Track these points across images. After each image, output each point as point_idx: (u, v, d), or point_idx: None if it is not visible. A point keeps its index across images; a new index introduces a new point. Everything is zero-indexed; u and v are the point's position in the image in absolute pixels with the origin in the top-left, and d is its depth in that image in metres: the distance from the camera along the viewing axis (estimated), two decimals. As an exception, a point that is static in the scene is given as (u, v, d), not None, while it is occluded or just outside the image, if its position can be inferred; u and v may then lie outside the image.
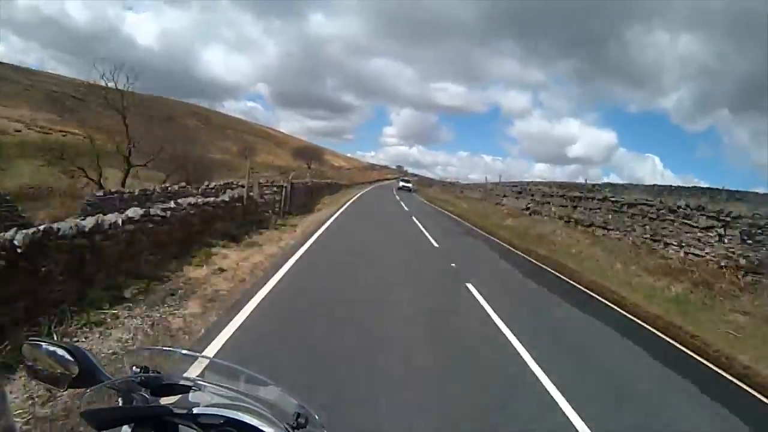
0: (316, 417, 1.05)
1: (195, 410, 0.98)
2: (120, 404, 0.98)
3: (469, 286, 7.85)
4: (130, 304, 4.77)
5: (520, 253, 12.88)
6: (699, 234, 10.49)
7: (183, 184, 18.61)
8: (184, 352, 1.28)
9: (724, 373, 5.51)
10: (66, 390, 1.04)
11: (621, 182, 30.14)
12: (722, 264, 9.43)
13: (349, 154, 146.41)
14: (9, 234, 3.84)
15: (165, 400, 1.01)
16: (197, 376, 1.10)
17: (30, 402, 2.74)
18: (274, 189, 14.60)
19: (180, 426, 0.96)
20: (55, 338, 3.64)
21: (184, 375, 1.12)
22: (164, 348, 1.39)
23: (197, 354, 1.34)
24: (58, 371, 0.97)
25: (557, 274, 10.43)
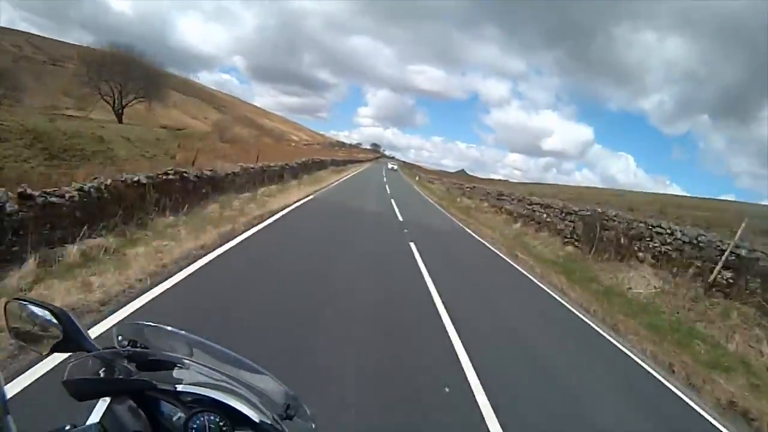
0: (307, 410, 1.06)
1: (179, 387, 0.97)
2: (102, 375, 0.97)
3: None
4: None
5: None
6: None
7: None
8: (174, 329, 1.13)
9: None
10: (49, 354, 0.99)
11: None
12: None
13: (322, 132, 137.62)
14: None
15: (149, 375, 0.99)
16: (185, 354, 1.07)
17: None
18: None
19: (161, 402, 0.98)
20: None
21: (172, 353, 1.08)
22: (154, 324, 1.13)
23: (190, 334, 1.12)
24: (42, 333, 0.98)
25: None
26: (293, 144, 60.61)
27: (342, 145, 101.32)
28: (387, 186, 29.42)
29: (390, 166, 65.70)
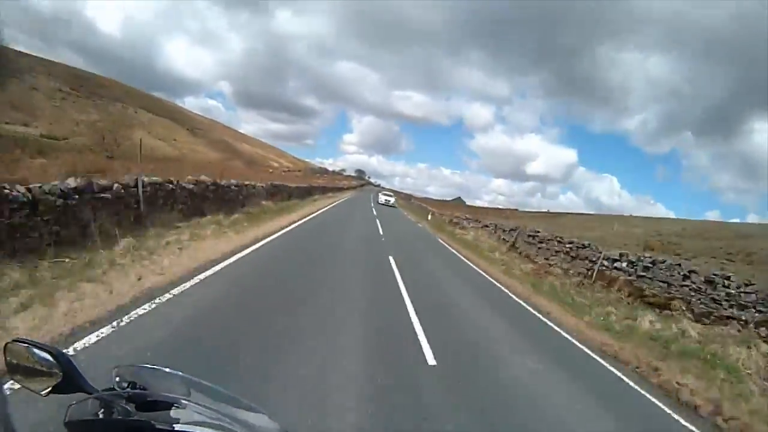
0: None
1: (176, 426, 1.00)
2: (102, 416, 1.00)
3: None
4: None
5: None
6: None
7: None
8: (172, 371, 1.22)
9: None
10: (47, 395, 1.03)
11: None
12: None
13: (307, 159, 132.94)
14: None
15: (147, 415, 1.02)
16: (183, 395, 1.12)
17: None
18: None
19: None
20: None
21: (169, 393, 1.12)
22: (152, 366, 1.22)
23: (185, 374, 1.21)
24: (42, 374, 1.01)
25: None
26: (270, 171, 55.70)
27: (325, 171, 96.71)
28: (392, 260, 12.42)
29: (383, 198, 49.14)
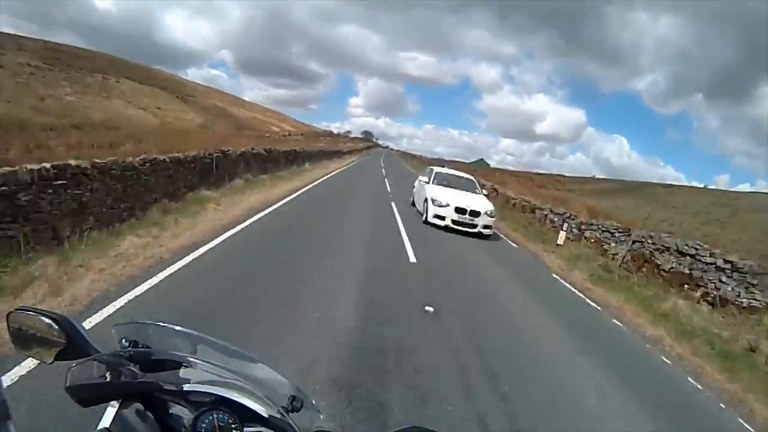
0: (312, 401, 1.06)
1: (185, 387, 0.99)
2: (108, 379, 0.97)
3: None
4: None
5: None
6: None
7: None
8: (176, 327, 1.15)
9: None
10: (53, 362, 1.02)
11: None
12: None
13: (313, 124, 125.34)
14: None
15: (154, 376, 1.00)
16: (189, 353, 1.09)
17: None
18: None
19: (169, 403, 1.02)
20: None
21: (175, 351, 1.08)
22: (155, 323, 1.14)
23: (190, 331, 1.14)
24: (46, 341, 0.99)
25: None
26: (267, 135, 50.30)
27: (329, 134, 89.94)
28: None
29: (440, 170, 17.88)
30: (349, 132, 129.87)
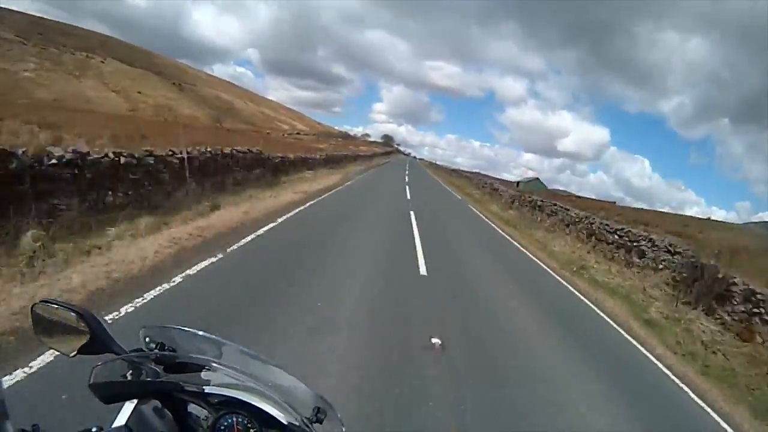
0: (337, 414, 1.04)
1: (206, 389, 0.98)
2: (130, 378, 0.98)
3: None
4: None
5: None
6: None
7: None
8: (200, 333, 1.13)
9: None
10: (75, 355, 0.99)
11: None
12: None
13: (335, 126, 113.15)
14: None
15: (176, 377, 1.00)
16: (213, 357, 1.06)
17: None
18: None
19: (189, 404, 1.01)
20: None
21: (199, 355, 1.07)
22: (180, 327, 1.13)
23: (213, 336, 1.13)
24: (70, 335, 0.99)
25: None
26: (268, 132, 41.06)
27: (345, 136, 79.89)
28: None
29: None
30: (367, 135, 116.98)
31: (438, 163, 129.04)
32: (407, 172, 36.43)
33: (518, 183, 62.75)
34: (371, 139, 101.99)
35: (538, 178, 74.37)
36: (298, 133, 59.41)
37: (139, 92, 46.20)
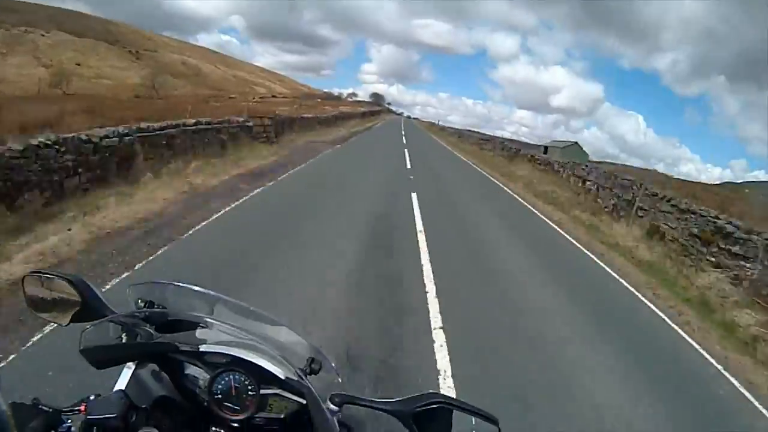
0: (332, 363, 1.04)
1: (201, 347, 0.96)
2: (123, 340, 0.97)
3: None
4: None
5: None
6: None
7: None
8: (191, 287, 1.10)
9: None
10: (69, 324, 0.99)
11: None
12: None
13: (326, 89, 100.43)
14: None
15: (170, 337, 0.98)
16: (206, 314, 1.05)
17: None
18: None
19: (185, 364, 1.00)
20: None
21: (191, 312, 1.06)
22: (171, 282, 1.11)
23: (207, 291, 1.10)
24: (62, 304, 0.99)
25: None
26: (232, 96, 35.78)
27: (330, 97, 72.91)
28: None
29: None
30: (354, 94, 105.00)
31: (441, 124, 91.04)
32: (407, 151, 20.74)
33: (545, 149, 51.37)
34: (359, 99, 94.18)
35: (576, 143, 58.05)
36: (273, 96, 53.39)
37: (78, 64, 40.37)
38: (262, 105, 32.39)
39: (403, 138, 29.61)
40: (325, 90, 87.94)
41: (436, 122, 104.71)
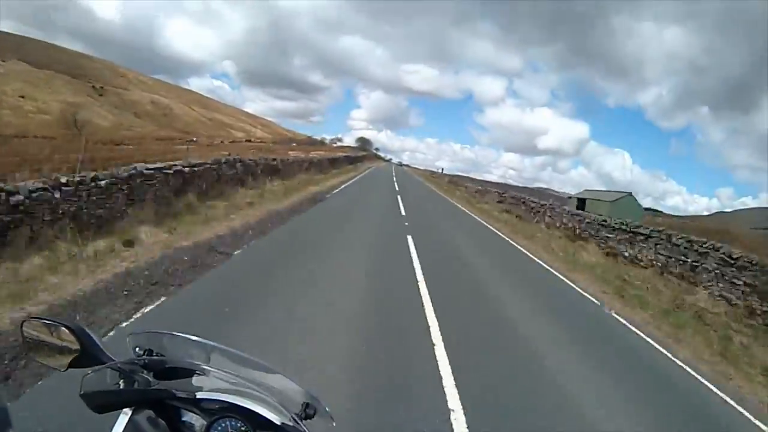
0: (326, 408, 1.04)
1: (198, 394, 0.97)
2: (121, 386, 0.98)
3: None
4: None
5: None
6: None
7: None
8: (189, 337, 1.11)
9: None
10: (67, 369, 0.98)
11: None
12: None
13: (316, 136, 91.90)
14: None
15: (167, 384, 0.99)
16: (202, 361, 1.06)
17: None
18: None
19: (182, 410, 1.00)
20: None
21: (188, 360, 1.07)
22: (169, 332, 1.11)
23: (204, 340, 1.10)
24: (59, 350, 0.99)
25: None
26: (192, 139, 31.35)
27: (312, 142, 68.77)
28: None
29: None
30: (338, 139, 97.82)
31: (443, 172, 74.09)
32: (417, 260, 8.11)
33: (581, 202, 42.68)
34: (344, 144, 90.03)
35: (630, 194, 47.91)
36: (248, 140, 49.14)
37: (22, 96, 35.77)
38: (231, 147, 27.89)
39: (401, 209, 16.18)
40: (309, 135, 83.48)
41: (439, 170, 79.82)
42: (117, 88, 56.07)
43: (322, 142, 72.32)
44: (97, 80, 55.10)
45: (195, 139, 34.68)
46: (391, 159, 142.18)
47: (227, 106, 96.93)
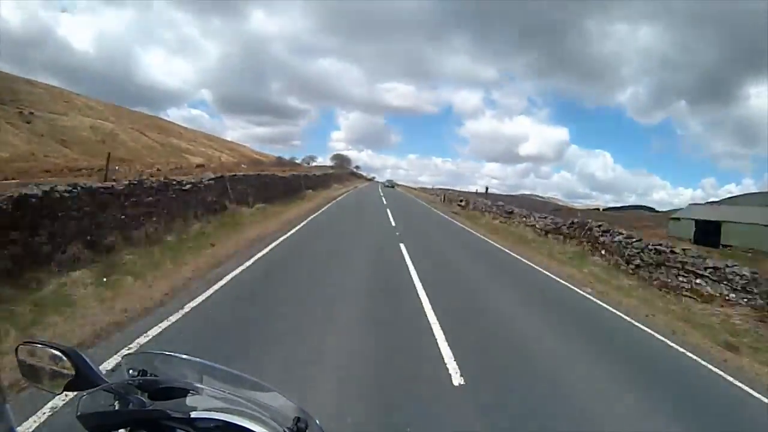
0: (317, 422, 1.05)
1: (192, 414, 0.99)
2: (116, 408, 1.00)
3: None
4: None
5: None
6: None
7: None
8: (182, 356, 1.16)
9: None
10: (62, 392, 1.02)
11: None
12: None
13: (296, 158, 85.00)
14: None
15: (162, 404, 1.01)
16: (195, 380, 1.09)
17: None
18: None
19: (177, 430, 0.99)
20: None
21: (182, 379, 1.10)
22: (162, 352, 1.17)
23: (197, 359, 1.15)
24: (54, 373, 0.99)
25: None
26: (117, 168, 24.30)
27: (281, 163, 62.45)
28: None
29: None
30: (311, 158, 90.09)
31: (440, 187, 69.68)
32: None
33: (707, 225, 35.02)
34: (318, 164, 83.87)
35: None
36: (199, 166, 42.89)
37: None
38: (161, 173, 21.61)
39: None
40: (278, 156, 76.60)
41: (450, 188, 66.91)
42: (53, 113, 49.61)
43: (292, 163, 66.18)
44: (32, 106, 48.70)
45: (117, 168, 28.23)
46: (374, 177, 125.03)
47: (194, 131, 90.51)
